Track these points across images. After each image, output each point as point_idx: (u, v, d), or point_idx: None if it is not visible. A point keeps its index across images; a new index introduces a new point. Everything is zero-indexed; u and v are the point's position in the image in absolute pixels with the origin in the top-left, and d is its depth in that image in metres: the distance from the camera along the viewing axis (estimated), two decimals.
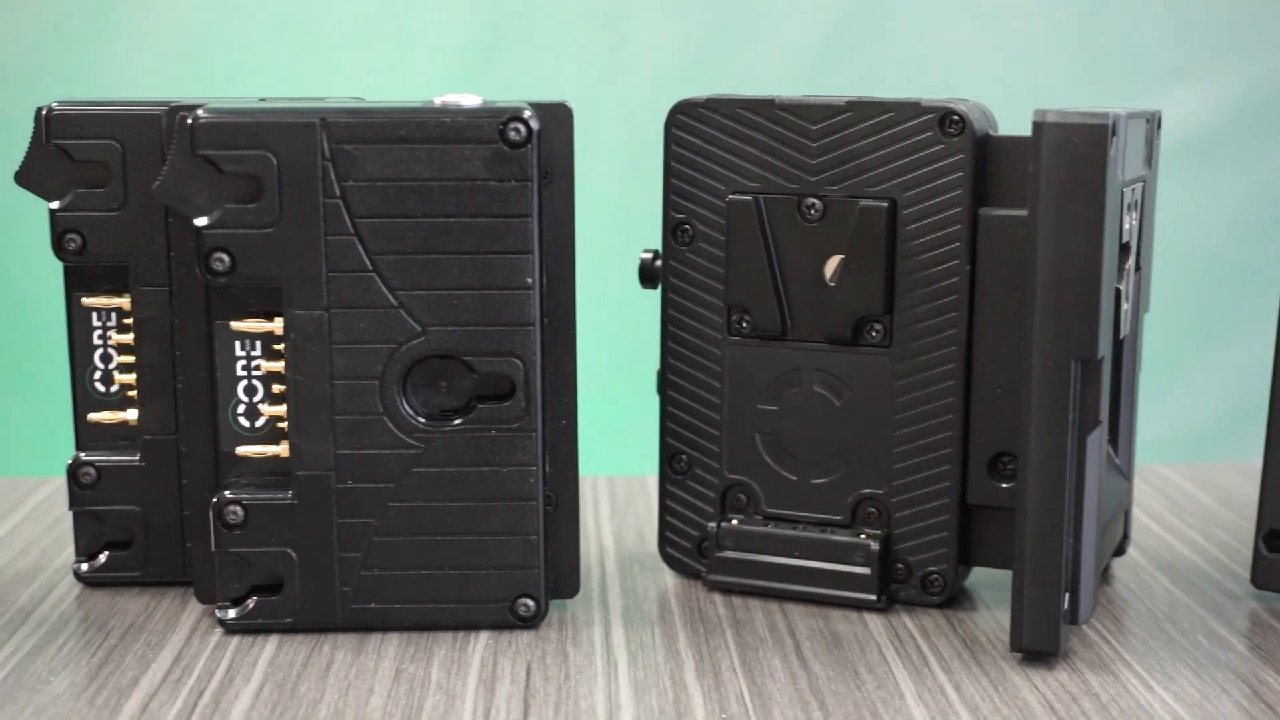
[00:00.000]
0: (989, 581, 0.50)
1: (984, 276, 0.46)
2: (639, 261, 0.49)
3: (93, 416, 0.49)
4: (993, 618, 0.48)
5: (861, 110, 0.46)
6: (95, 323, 0.48)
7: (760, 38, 1.19)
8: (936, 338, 0.47)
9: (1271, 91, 1.21)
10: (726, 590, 0.50)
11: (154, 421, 0.48)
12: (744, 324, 0.48)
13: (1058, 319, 0.41)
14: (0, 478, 0.63)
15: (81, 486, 0.49)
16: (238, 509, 0.45)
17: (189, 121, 0.43)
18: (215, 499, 0.45)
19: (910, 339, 0.47)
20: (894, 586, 0.48)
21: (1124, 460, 0.51)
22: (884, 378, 0.47)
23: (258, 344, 0.45)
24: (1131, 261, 0.47)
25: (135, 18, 1.17)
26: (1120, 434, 0.50)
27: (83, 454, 0.49)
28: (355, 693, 0.42)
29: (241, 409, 0.46)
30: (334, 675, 0.43)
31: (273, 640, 0.45)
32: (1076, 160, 0.41)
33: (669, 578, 0.51)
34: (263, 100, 0.46)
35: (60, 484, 0.61)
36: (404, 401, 0.45)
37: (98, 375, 0.49)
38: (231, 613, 0.46)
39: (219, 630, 0.46)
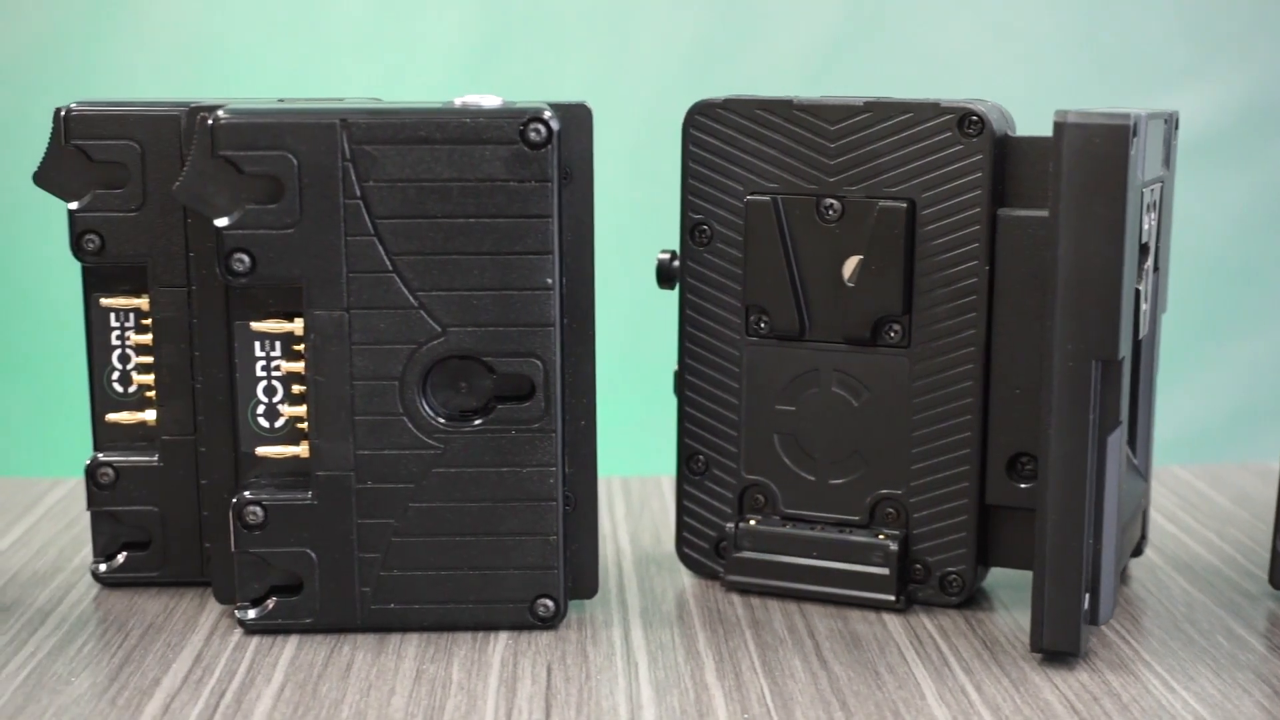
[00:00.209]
0: (1007, 582, 0.50)
1: (1003, 277, 0.46)
2: (656, 262, 0.49)
3: (111, 417, 0.49)
4: (1011, 618, 0.48)
5: (880, 111, 0.46)
6: (114, 323, 0.48)
7: (769, 37, 1.19)
8: (955, 338, 0.47)
9: (1279, 92, 1.21)
10: (744, 591, 0.50)
11: (172, 422, 0.48)
12: (762, 324, 0.48)
13: (1079, 319, 0.41)
14: (16, 478, 0.63)
15: (100, 487, 0.49)
16: (257, 509, 0.45)
17: (209, 122, 0.43)
18: (235, 499, 0.45)
19: (929, 339, 0.47)
20: (912, 587, 0.48)
21: (1141, 461, 0.51)
22: (902, 378, 0.47)
23: (277, 344, 0.45)
24: (1150, 262, 0.47)
25: (135, 18, 1.17)
26: (1138, 434, 0.50)
27: (101, 454, 0.49)
28: (377, 693, 0.42)
29: (261, 409, 0.46)
30: (355, 676, 0.43)
31: (292, 641, 0.45)
32: (1098, 161, 0.41)
33: (686, 578, 0.51)
34: (281, 101, 0.46)
35: (75, 484, 0.61)
36: (424, 402, 0.45)
37: (116, 376, 0.49)
38: (251, 613, 0.46)
39: (238, 631, 0.46)
